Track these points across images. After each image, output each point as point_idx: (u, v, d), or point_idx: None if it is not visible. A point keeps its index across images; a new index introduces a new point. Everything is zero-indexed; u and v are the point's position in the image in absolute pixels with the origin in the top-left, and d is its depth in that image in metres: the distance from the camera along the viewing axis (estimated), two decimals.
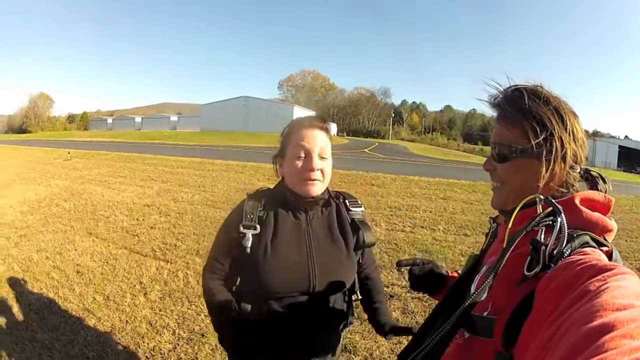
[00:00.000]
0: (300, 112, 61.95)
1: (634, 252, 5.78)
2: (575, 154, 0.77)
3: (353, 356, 2.87)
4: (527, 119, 0.76)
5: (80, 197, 8.64)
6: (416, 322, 3.31)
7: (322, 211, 1.32)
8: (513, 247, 0.66)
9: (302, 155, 1.21)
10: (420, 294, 3.77)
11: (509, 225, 0.74)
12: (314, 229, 1.27)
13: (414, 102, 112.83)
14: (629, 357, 0.37)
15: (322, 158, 1.23)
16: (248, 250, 1.19)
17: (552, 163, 0.75)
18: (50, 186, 10.05)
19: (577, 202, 0.72)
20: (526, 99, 0.77)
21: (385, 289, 3.85)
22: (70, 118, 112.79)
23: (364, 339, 3.03)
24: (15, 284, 4.06)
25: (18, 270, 4.43)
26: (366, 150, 31.36)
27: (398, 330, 1.35)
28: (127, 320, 3.32)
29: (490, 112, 0.85)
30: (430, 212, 7.46)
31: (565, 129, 0.75)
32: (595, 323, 0.43)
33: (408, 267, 1.15)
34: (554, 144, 0.74)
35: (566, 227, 0.63)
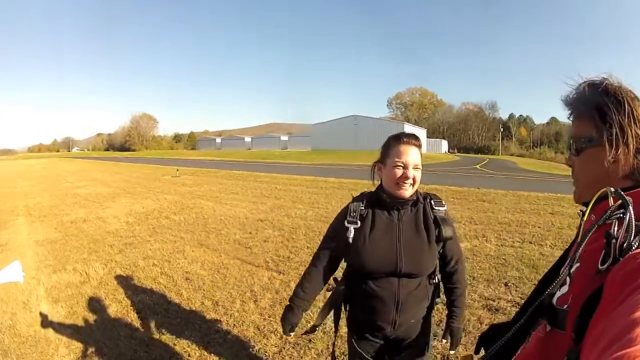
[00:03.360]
0: (410, 129, 61.64)
1: None
2: None
3: None
4: (588, 109, 0.79)
5: (191, 211, 9.01)
6: None
7: (411, 210, 1.59)
8: (586, 241, 0.67)
9: (400, 166, 1.49)
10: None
11: (584, 219, 0.77)
12: (403, 224, 1.55)
13: (520, 116, 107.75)
14: None
15: (415, 168, 1.52)
16: (350, 240, 1.53)
17: (614, 149, 0.75)
18: (159, 200, 10.66)
19: None
20: (587, 92, 0.80)
21: (490, 302, 3.75)
22: (177, 137, 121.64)
23: None
24: (117, 286, 4.34)
25: (121, 274, 4.69)
26: (477, 166, 31.28)
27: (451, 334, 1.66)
28: (234, 324, 3.42)
29: None
30: (539, 227, 6.95)
31: (624, 113, 0.75)
32: (637, 314, 0.42)
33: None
34: (614, 129, 0.75)
35: (634, 219, 0.62)
